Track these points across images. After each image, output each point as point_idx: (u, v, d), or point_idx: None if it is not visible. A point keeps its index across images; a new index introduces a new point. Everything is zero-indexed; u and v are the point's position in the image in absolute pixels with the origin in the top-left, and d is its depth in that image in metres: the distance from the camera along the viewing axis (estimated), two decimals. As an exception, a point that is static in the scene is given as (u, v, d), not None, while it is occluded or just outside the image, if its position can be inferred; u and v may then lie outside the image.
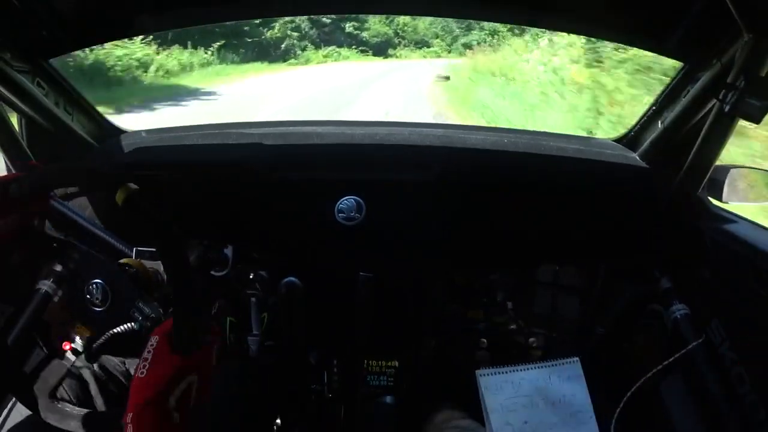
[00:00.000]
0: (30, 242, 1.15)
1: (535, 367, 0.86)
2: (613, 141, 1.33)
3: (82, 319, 0.90)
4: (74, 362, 0.98)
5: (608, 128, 5.28)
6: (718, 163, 1.03)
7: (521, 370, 0.86)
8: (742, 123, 0.95)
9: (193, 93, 11.93)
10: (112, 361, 1.12)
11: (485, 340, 1.24)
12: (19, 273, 1.08)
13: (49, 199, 1.08)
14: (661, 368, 1.06)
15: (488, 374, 0.85)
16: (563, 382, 0.86)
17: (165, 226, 0.69)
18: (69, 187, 1.12)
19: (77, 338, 0.88)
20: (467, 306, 1.23)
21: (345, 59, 24.86)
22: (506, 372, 0.85)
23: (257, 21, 18.22)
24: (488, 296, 1.24)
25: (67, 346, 0.88)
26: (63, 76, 1.10)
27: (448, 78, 13.59)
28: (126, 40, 10.36)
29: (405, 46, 30.58)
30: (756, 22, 0.81)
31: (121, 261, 0.98)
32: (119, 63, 11.81)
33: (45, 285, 1.06)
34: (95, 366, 1.07)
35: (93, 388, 1.05)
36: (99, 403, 1.05)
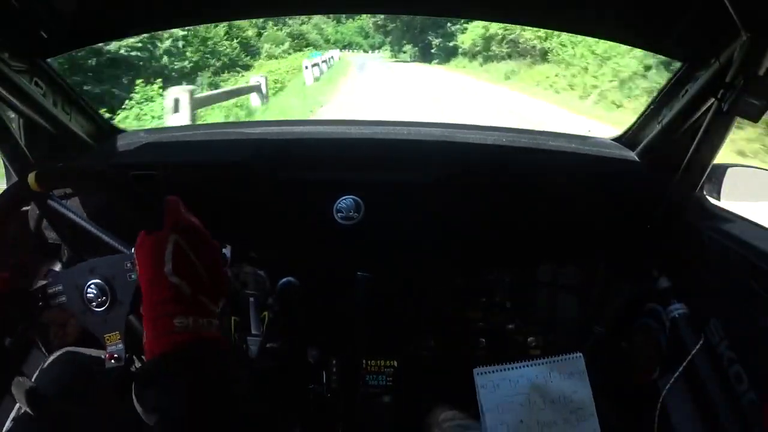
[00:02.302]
0: (28, 243, 1.15)
1: (535, 364, 0.83)
2: (612, 140, 1.33)
3: (81, 320, 0.89)
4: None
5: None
6: (716, 161, 1.04)
7: (520, 367, 0.83)
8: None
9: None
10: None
11: (484, 340, 1.24)
12: (17, 273, 1.08)
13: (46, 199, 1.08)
14: (661, 368, 1.07)
15: (485, 372, 0.82)
16: (564, 379, 0.84)
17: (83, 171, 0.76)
18: (66, 187, 1.12)
19: (114, 348, 0.88)
20: (466, 306, 1.23)
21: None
22: (504, 370, 0.83)
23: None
24: (487, 296, 1.24)
25: (109, 357, 0.88)
26: (61, 76, 1.10)
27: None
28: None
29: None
30: (754, 22, 0.81)
31: None
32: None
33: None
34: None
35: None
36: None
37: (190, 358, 0.60)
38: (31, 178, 0.74)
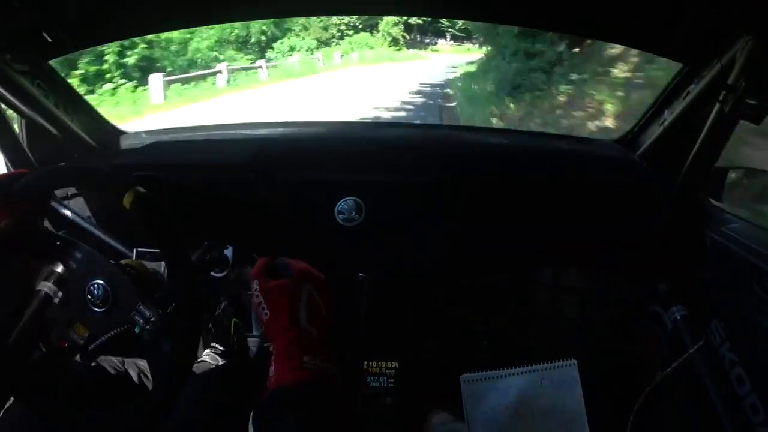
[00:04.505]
0: (30, 243, 1.16)
1: (525, 372, 0.77)
2: (613, 142, 1.33)
3: (81, 319, 0.90)
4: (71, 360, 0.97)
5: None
6: (718, 164, 1.04)
7: (510, 375, 0.77)
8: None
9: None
10: (111, 362, 1.12)
11: (485, 342, 1.24)
12: (19, 274, 1.08)
13: (49, 199, 1.09)
14: (662, 371, 1.06)
15: (472, 380, 0.77)
16: (556, 389, 0.78)
17: (168, 230, 0.74)
18: (69, 187, 1.13)
19: (75, 337, 0.88)
20: (468, 308, 1.23)
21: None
22: (492, 378, 0.77)
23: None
24: (489, 298, 1.24)
25: (63, 342, 0.88)
26: (63, 77, 1.10)
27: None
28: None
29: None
30: (756, 23, 0.81)
31: (122, 262, 0.98)
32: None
33: (45, 287, 1.06)
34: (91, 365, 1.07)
35: (88, 387, 1.05)
36: (92, 402, 1.05)
37: (313, 391, 0.66)
38: (128, 198, 0.72)
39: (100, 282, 0.87)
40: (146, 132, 1.35)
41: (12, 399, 0.85)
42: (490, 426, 0.76)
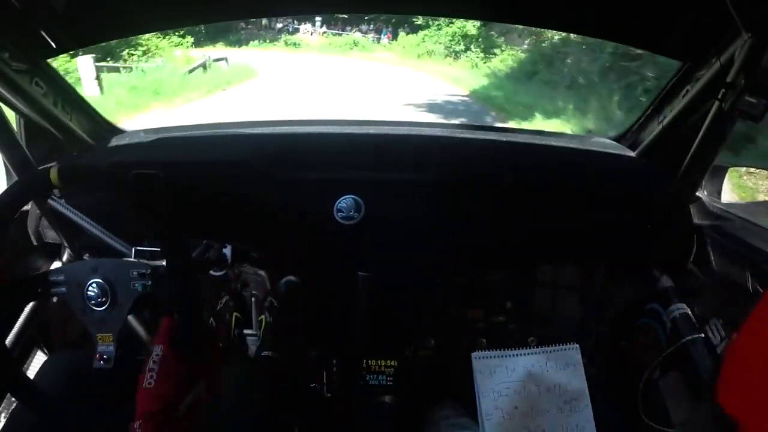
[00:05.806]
0: (29, 242, 1.15)
1: (532, 353, 0.85)
2: (612, 140, 1.33)
3: (79, 316, 0.90)
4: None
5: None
6: (716, 162, 1.04)
7: (518, 355, 0.85)
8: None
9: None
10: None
11: (484, 340, 1.24)
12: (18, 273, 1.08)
13: (47, 198, 1.08)
14: (660, 366, 1.07)
15: (483, 357, 0.85)
16: (560, 369, 0.85)
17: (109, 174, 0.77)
18: (86, 188, 1.12)
19: (104, 347, 0.88)
20: (466, 305, 1.23)
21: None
22: (502, 356, 0.85)
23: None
24: (487, 295, 1.24)
25: (98, 357, 0.88)
26: (61, 76, 1.10)
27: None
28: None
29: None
30: (755, 21, 0.81)
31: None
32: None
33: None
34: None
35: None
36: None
37: None
38: (53, 172, 0.74)
39: (96, 281, 0.87)
40: (145, 130, 1.34)
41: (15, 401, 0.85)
42: (499, 399, 0.82)
